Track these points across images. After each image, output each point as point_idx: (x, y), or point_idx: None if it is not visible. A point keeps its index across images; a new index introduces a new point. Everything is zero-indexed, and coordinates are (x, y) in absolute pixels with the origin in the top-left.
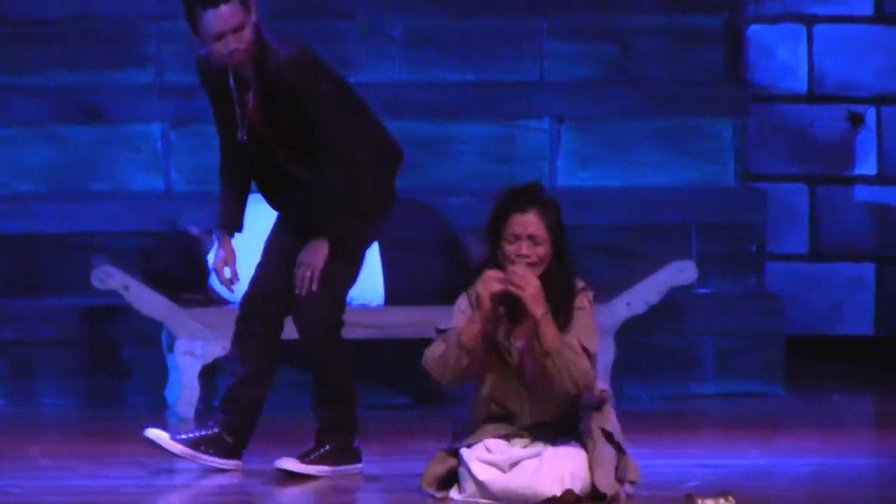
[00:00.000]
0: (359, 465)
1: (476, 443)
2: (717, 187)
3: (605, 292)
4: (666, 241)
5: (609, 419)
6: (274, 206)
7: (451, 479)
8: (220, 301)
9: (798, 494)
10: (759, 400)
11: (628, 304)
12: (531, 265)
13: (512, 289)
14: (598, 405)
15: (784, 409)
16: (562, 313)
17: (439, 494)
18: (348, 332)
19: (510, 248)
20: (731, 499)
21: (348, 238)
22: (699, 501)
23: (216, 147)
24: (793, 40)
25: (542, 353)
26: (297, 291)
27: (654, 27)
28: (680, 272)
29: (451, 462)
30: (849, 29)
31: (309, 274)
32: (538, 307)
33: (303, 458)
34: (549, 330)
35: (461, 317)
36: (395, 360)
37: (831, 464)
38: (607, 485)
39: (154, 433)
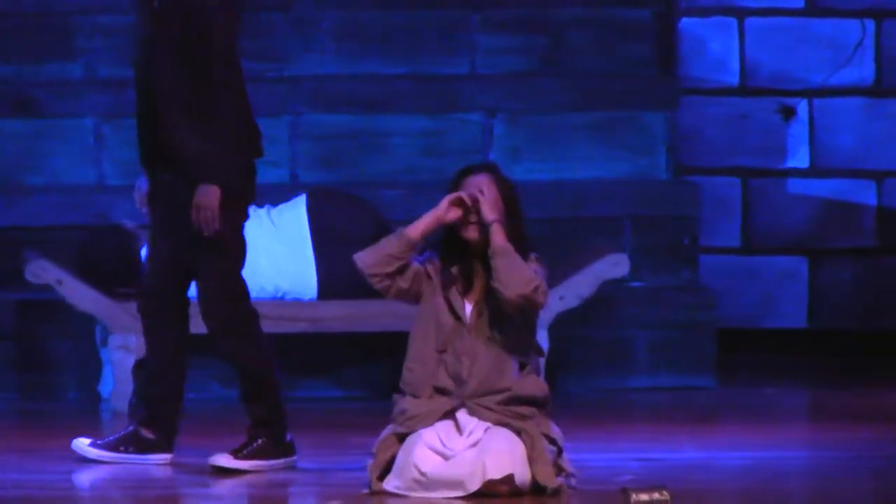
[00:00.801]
0: (292, 458)
1: (426, 427)
2: (649, 180)
3: None
4: (599, 234)
5: (551, 427)
6: (146, 157)
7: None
8: None
9: (731, 487)
10: (692, 393)
11: (562, 298)
12: (475, 223)
13: (474, 194)
14: (543, 402)
15: (717, 402)
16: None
17: (376, 487)
18: (281, 327)
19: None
20: (665, 492)
21: (220, 172)
22: (634, 495)
23: None
24: (724, 33)
25: (493, 253)
26: (204, 234)
27: (586, 20)
28: (613, 265)
29: (396, 448)
30: (780, 21)
31: (209, 214)
32: (492, 213)
33: (236, 454)
34: (499, 235)
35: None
36: (329, 354)
37: (764, 457)
38: (547, 477)
39: (76, 444)
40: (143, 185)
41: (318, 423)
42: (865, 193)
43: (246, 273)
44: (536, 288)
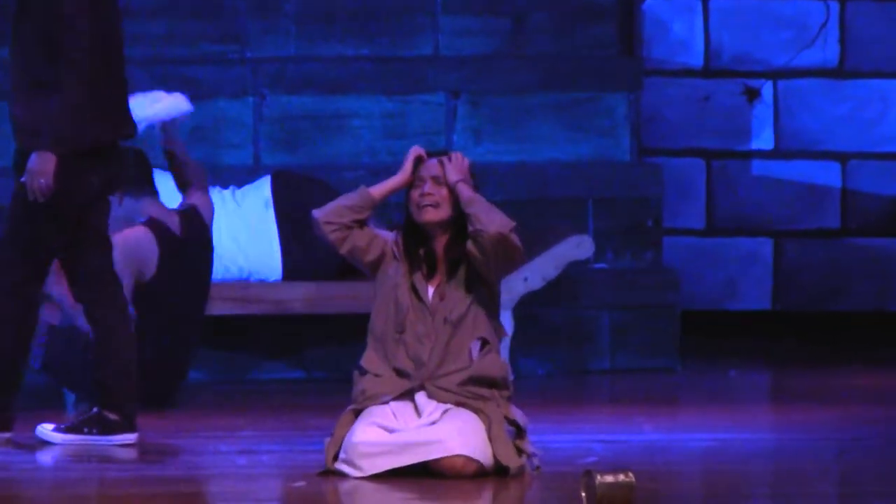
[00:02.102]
0: (126, 437)
1: (381, 404)
2: (612, 162)
3: None
4: (562, 215)
5: (511, 409)
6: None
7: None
8: None
9: (694, 469)
10: (655, 375)
11: (525, 280)
12: (435, 206)
13: (441, 161)
14: (503, 383)
15: (681, 384)
16: (466, 261)
17: (330, 465)
18: (246, 308)
19: (414, 192)
20: (630, 474)
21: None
22: (598, 477)
23: None
24: (688, 14)
25: (466, 204)
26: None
27: (548, 1)
28: (577, 247)
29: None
30: (745, 3)
31: (42, 182)
32: (456, 174)
33: (62, 428)
34: (467, 190)
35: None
36: (293, 335)
37: (728, 438)
38: (509, 457)
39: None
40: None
41: (282, 405)
42: (830, 175)
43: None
44: (514, 228)
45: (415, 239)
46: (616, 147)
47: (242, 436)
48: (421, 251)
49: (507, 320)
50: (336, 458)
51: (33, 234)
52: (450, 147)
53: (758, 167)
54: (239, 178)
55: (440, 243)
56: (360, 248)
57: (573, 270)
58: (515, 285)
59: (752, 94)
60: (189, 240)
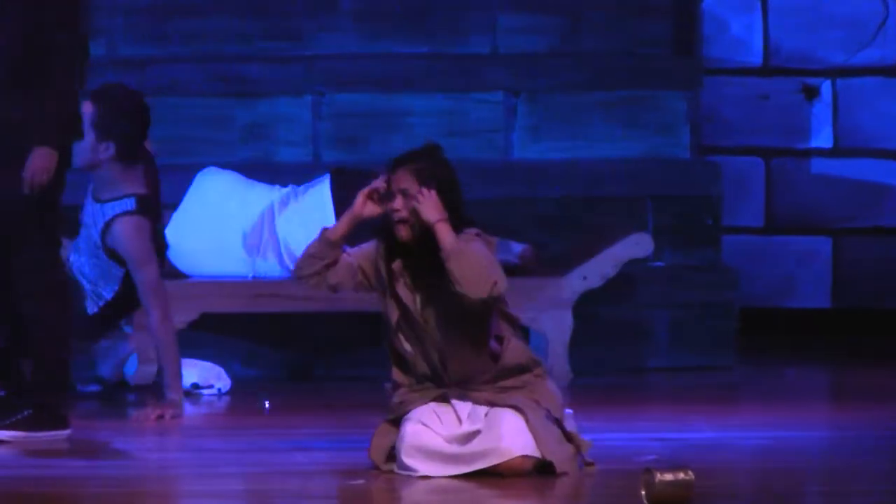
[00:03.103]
0: (58, 433)
1: (419, 407)
2: (671, 160)
3: (562, 266)
4: (621, 214)
5: (547, 388)
6: None
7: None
8: (177, 275)
9: (751, 468)
10: (712, 373)
11: (584, 278)
12: (402, 222)
13: (381, 186)
14: (532, 366)
15: (738, 381)
16: (441, 269)
17: (385, 467)
18: (302, 306)
19: (390, 207)
20: (689, 472)
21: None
22: (658, 475)
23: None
24: (747, 12)
25: (445, 257)
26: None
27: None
28: (636, 245)
29: (395, 435)
30: (803, 1)
31: (45, 178)
32: (433, 213)
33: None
34: (446, 234)
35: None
36: (348, 332)
37: (785, 436)
38: (553, 452)
39: None
40: None
41: (339, 402)
42: (888, 173)
43: (270, 253)
44: (495, 283)
45: (396, 250)
46: (675, 145)
47: (302, 433)
48: (399, 262)
49: (565, 318)
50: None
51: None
52: (508, 145)
53: (816, 165)
54: (297, 175)
55: (422, 251)
56: (342, 284)
57: (632, 268)
58: (574, 283)
59: (811, 93)
60: None
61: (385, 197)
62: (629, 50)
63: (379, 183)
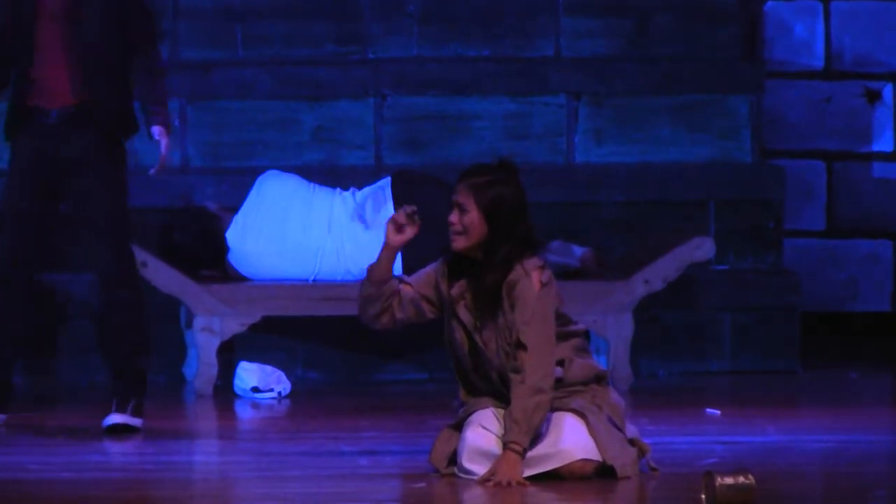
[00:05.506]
0: None
1: (480, 410)
2: (734, 164)
3: (623, 269)
4: (683, 217)
5: (609, 395)
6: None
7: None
8: (238, 277)
9: (814, 470)
10: (775, 376)
11: (646, 282)
12: (457, 234)
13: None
14: (597, 379)
15: (801, 385)
16: (492, 294)
17: (446, 470)
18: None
19: (448, 220)
20: (750, 476)
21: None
22: (719, 479)
23: (233, 123)
24: (810, 16)
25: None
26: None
27: (671, 3)
28: (698, 249)
29: (456, 440)
30: (866, 5)
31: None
32: (509, 476)
33: None
34: (512, 458)
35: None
36: (414, 336)
37: (848, 440)
38: (614, 456)
39: None
40: None
41: (404, 406)
42: None
43: (331, 256)
44: (546, 387)
45: (457, 270)
46: (738, 149)
47: (365, 437)
48: (461, 282)
49: (627, 321)
50: (445, 467)
51: None
52: (571, 148)
53: (878, 169)
54: (360, 178)
55: (482, 264)
56: (411, 318)
57: (694, 272)
58: (636, 287)
59: (873, 96)
60: None
61: (412, 219)
62: (693, 54)
63: (398, 214)
